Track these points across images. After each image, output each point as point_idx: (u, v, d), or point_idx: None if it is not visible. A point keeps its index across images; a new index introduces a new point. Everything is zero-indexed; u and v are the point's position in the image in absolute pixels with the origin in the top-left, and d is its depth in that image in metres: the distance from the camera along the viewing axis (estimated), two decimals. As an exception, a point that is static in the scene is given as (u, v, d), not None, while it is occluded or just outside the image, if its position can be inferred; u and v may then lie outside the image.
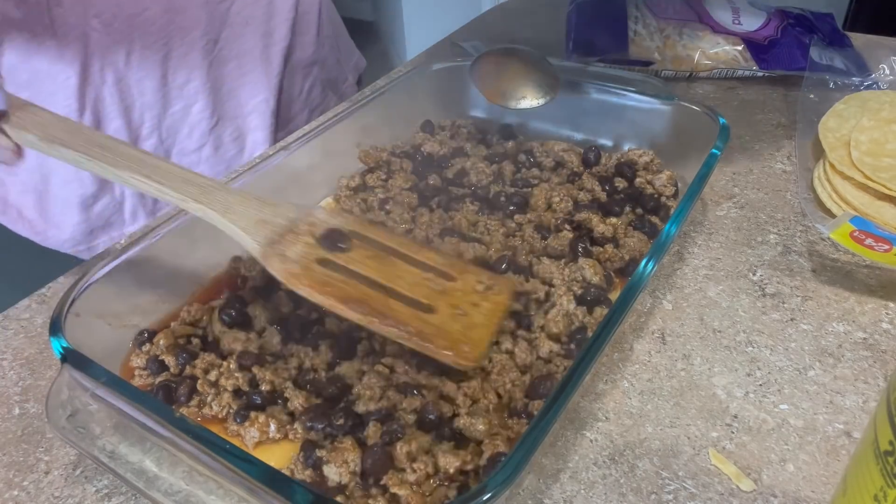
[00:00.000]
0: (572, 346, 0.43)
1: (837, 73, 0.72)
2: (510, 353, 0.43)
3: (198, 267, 0.50)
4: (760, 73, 0.76)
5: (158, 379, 0.42)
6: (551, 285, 0.47)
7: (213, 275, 0.51)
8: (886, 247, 0.46)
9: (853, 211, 0.54)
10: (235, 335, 0.44)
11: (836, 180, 0.56)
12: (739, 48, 0.76)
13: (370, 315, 0.38)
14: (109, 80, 0.66)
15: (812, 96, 0.70)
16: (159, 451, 0.36)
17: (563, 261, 0.49)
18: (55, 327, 0.38)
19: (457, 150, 0.63)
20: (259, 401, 0.40)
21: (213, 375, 0.41)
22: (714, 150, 0.51)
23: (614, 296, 0.47)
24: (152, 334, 0.44)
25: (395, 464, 0.36)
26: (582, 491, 0.38)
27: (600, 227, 0.52)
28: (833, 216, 0.55)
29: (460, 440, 0.38)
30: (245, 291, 0.48)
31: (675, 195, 0.57)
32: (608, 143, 0.65)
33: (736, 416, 0.41)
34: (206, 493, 0.35)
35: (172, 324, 0.46)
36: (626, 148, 0.63)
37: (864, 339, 0.46)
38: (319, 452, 0.37)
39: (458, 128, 0.68)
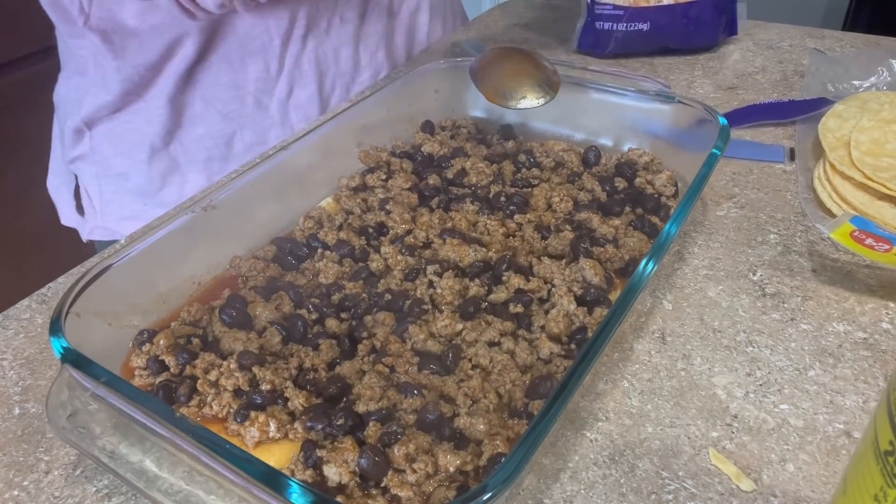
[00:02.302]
0: (572, 346, 0.43)
1: (836, 74, 0.72)
2: (511, 353, 0.43)
3: (198, 267, 0.50)
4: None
5: (158, 379, 0.42)
6: (552, 285, 0.47)
7: (213, 275, 0.51)
8: (886, 247, 0.46)
9: (853, 211, 0.54)
10: (235, 335, 0.44)
11: (836, 180, 0.56)
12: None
13: None
14: (310, 47, 0.69)
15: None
16: (159, 451, 0.36)
17: (563, 261, 0.49)
18: (55, 327, 0.38)
19: (457, 150, 0.63)
20: (259, 401, 0.40)
21: (213, 375, 0.41)
22: (714, 150, 0.51)
23: (614, 296, 0.47)
24: (152, 334, 0.44)
25: (395, 464, 0.36)
26: (582, 491, 0.38)
27: (601, 227, 0.52)
28: (833, 216, 0.55)
29: (460, 440, 0.38)
30: (245, 291, 0.48)
31: (675, 195, 0.57)
32: (608, 143, 0.65)
33: (736, 416, 0.41)
34: (206, 493, 0.35)
35: (172, 324, 0.46)
36: (626, 148, 0.63)
37: (865, 338, 0.46)
38: (319, 452, 0.37)
39: (458, 128, 0.68)
